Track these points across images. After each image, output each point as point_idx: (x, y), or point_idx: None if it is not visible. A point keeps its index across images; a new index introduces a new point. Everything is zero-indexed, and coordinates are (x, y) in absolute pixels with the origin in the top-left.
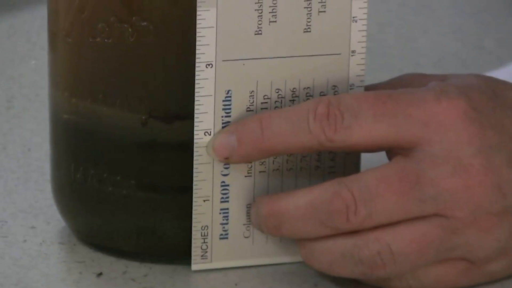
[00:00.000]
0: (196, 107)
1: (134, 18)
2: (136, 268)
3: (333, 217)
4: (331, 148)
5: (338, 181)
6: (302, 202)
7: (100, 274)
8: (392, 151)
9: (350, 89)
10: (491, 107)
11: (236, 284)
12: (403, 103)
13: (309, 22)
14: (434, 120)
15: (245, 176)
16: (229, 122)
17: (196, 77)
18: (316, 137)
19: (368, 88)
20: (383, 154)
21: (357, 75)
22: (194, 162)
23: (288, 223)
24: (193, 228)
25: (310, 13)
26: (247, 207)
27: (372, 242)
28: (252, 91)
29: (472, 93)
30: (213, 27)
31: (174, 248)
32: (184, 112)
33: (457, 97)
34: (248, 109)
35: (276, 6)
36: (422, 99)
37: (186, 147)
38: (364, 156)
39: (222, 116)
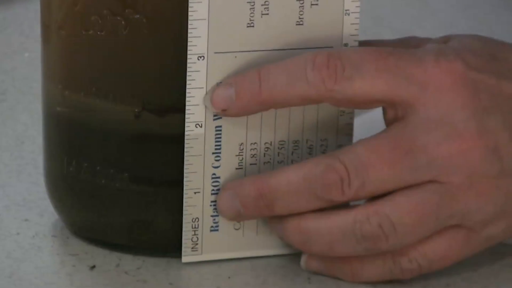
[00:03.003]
0: (187, 99)
1: (127, 10)
2: (129, 261)
3: (328, 190)
4: (329, 99)
5: (330, 154)
6: (295, 177)
7: (93, 267)
8: (388, 113)
9: None
10: (489, 70)
11: (229, 277)
12: (404, 61)
13: (301, 15)
14: (432, 82)
15: (236, 169)
16: None
17: (188, 69)
18: (315, 87)
19: (372, 43)
20: None
21: None
22: (185, 154)
23: (282, 199)
24: (183, 220)
25: (303, 6)
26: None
27: (372, 216)
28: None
29: (469, 56)
30: (205, 19)
31: (167, 241)
32: (177, 105)
33: (455, 60)
34: None
35: None
36: (423, 60)
37: (179, 140)
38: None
39: None
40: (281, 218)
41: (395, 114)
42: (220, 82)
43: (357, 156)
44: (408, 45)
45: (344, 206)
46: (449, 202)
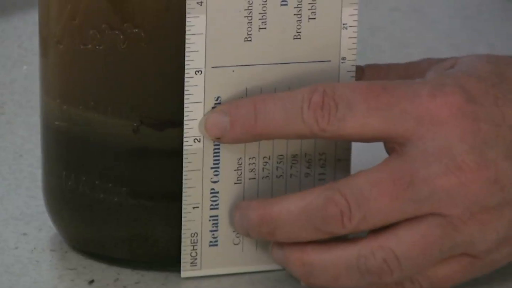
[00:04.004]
0: (185, 113)
1: (125, 25)
2: (128, 275)
3: (328, 223)
4: (323, 138)
5: (330, 186)
6: (296, 208)
7: (92, 281)
8: (388, 143)
9: None
10: (492, 97)
11: None
12: (397, 97)
13: (299, 29)
14: (427, 116)
15: (235, 183)
16: None
17: (186, 84)
18: (309, 127)
19: (383, 67)
20: (375, 159)
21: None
22: (184, 169)
23: (282, 229)
24: (182, 235)
25: (300, 20)
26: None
27: (377, 251)
28: (242, 97)
29: (471, 83)
30: (202, 33)
31: (166, 255)
32: (175, 119)
33: (452, 92)
34: None
35: (265, 13)
36: (417, 94)
37: (177, 154)
38: (355, 161)
39: None
40: (283, 249)
41: (393, 146)
42: (215, 108)
43: (358, 189)
44: (418, 69)
45: (347, 238)
46: (451, 234)
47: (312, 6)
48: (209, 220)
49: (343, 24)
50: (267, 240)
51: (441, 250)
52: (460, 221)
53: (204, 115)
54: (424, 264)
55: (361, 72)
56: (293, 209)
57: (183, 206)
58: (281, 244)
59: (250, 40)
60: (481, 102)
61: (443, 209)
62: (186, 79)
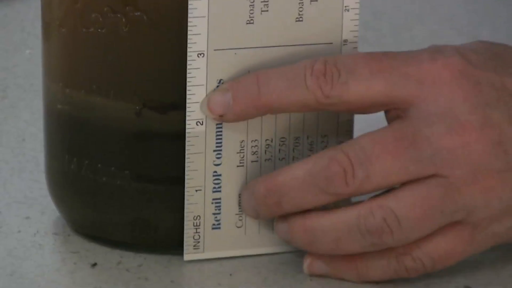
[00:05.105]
0: (188, 96)
1: (127, 8)
2: (130, 258)
3: (332, 182)
4: (327, 106)
5: (334, 147)
6: (300, 172)
7: (95, 264)
8: (390, 112)
9: None
10: (491, 66)
11: (230, 274)
12: (399, 61)
13: (301, 11)
14: (429, 78)
15: (237, 166)
16: None
17: (188, 67)
18: (313, 93)
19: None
20: None
21: None
22: (186, 152)
23: (288, 195)
24: (185, 218)
25: (302, 2)
26: (240, 197)
27: (376, 210)
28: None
29: (470, 53)
30: (204, 16)
31: (169, 239)
32: (178, 102)
33: (453, 55)
34: None
35: None
36: (418, 58)
37: (180, 137)
38: None
39: None
40: (287, 219)
41: (396, 113)
42: (217, 88)
43: (361, 147)
44: None
45: (349, 203)
46: (453, 196)
47: None
48: (212, 203)
49: (345, 6)
50: (271, 219)
51: (442, 212)
52: (463, 183)
53: (206, 96)
54: (425, 227)
55: None
56: (297, 173)
57: (186, 189)
58: (284, 217)
59: (252, 23)
60: (481, 68)
61: (445, 169)
62: (188, 62)
